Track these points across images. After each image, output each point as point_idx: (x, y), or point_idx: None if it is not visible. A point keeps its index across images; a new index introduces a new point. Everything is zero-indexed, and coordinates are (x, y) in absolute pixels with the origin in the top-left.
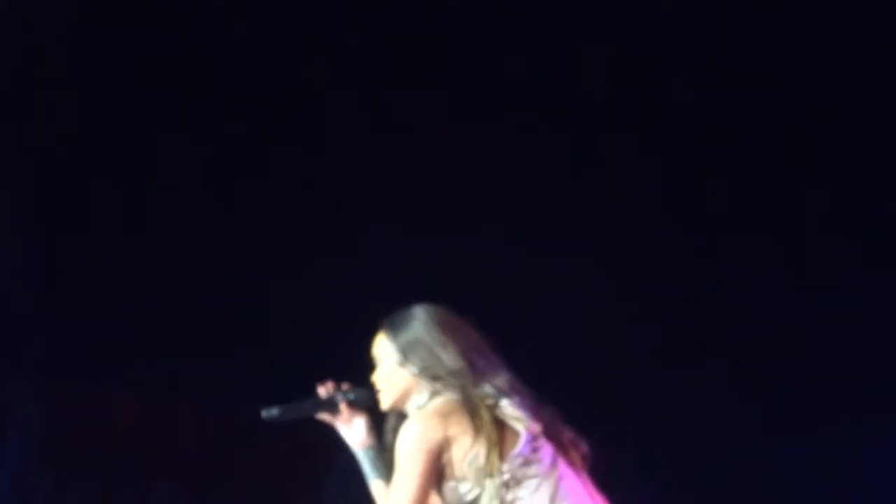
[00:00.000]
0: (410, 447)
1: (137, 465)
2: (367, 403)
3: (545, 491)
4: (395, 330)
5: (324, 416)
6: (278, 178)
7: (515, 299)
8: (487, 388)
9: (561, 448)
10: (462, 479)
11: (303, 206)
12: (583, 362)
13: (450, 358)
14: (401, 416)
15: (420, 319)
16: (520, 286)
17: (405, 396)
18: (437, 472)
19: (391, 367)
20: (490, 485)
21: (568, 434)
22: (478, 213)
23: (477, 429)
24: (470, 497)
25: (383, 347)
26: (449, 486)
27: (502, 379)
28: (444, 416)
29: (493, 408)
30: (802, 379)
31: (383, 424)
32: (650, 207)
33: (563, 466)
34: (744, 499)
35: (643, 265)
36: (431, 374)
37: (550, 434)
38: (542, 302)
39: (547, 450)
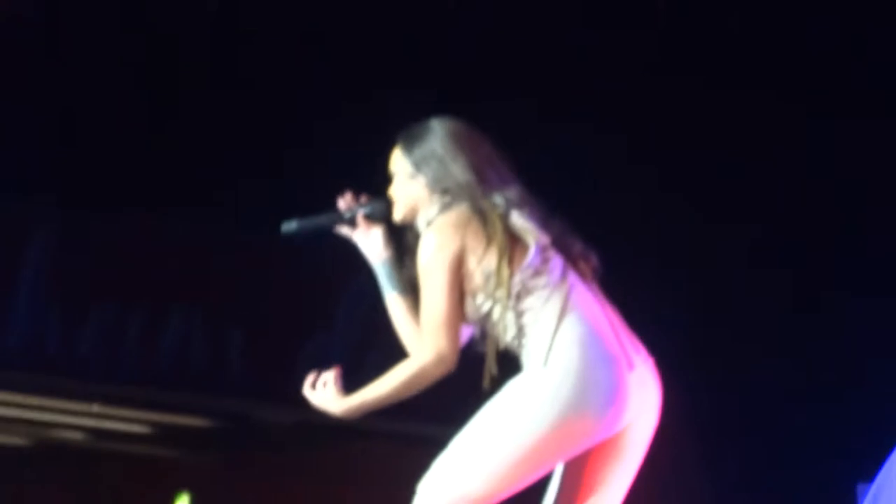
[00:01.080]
0: (430, 263)
1: (152, 294)
2: (383, 216)
3: (556, 301)
4: (408, 143)
5: (342, 230)
6: None
7: None
8: (498, 200)
9: (570, 260)
10: (476, 291)
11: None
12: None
13: (461, 170)
14: (418, 234)
15: (434, 132)
16: None
17: (417, 209)
18: (461, 284)
19: (404, 179)
20: (502, 295)
21: (577, 246)
22: None
23: (489, 238)
24: (484, 309)
25: (398, 160)
26: (465, 300)
27: (513, 191)
28: (458, 226)
29: (503, 218)
30: None
31: (403, 238)
32: None
33: (572, 277)
34: None
35: None
36: (442, 186)
37: (560, 246)
38: None
39: (557, 261)
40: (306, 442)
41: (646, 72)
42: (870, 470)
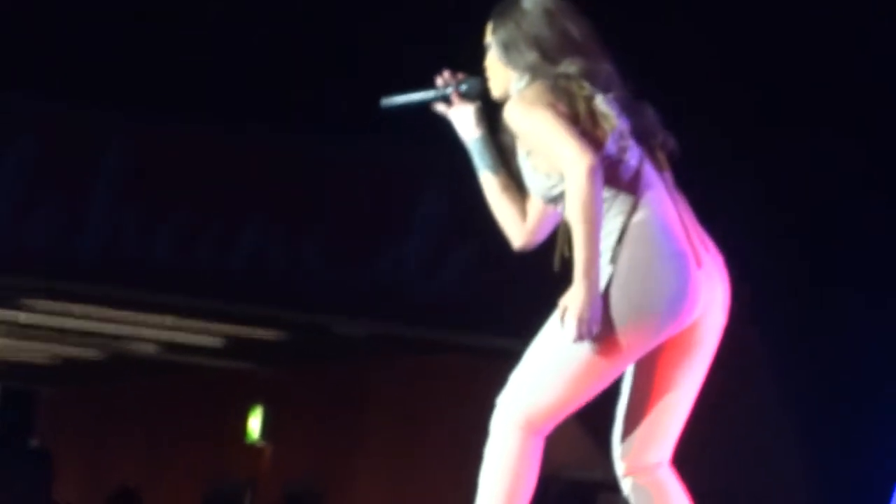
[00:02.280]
0: (525, 109)
1: (229, 199)
2: (478, 93)
3: (627, 194)
4: (497, 20)
5: (438, 107)
6: None
7: None
8: (584, 82)
9: (648, 150)
10: (551, 170)
11: None
12: None
13: (550, 48)
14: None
15: (522, 6)
16: None
17: (509, 83)
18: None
19: (495, 55)
20: None
21: (658, 135)
22: None
23: (573, 118)
24: (555, 192)
25: (488, 35)
26: (538, 175)
27: (602, 73)
28: (546, 92)
29: (588, 101)
30: None
31: (497, 115)
32: None
33: (647, 169)
34: None
35: None
36: (529, 65)
37: (640, 134)
38: None
39: (634, 151)
40: (380, 354)
41: None
42: None
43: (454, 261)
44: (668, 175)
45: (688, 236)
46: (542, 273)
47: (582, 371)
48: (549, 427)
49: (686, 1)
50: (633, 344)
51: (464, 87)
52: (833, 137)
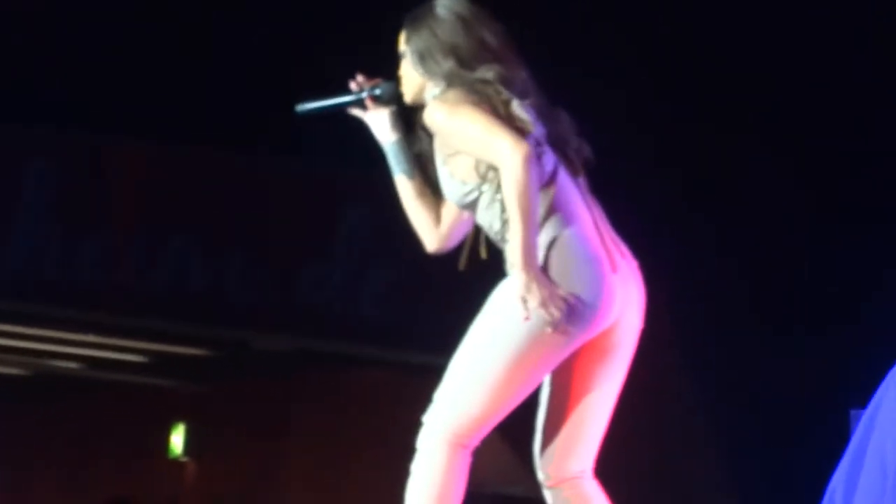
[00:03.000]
0: (446, 110)
1: (151, 215)
2: (392, 98)
3: (543, 199)
4: (412, 26)
5: (354, 111)
6: None
7: None
8: (501, 87)
9: (564, 155)
10: (466, 176)
11: None
12: None
13: (466, 56)
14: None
15: (437, 14)
16: None
17: (423, 90)
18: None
19: (409, 63)
20: (489, 188)
21: (573, 141)
22: None
23: (496, 118)
24: (470, 198)
25: (403, 43)
26: (454, 181)
27: (518, 80)
28: (464, 98)
29: (506, 105)
30: None
31: (413, 118)
32: None
33: (562, 175)
34: None
35: None
36: (446, 73)
37: (555, 140)
38: None
39: (549, 157)
40: (302, 371)
41: None
42: (862, 397)
43: (375, 277)
44: (583, 181)
45: (602, 241)
46: (462, 288)
47: (502, 379)
48: (476, 441)
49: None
50: (552, 348)
51: (377, 91)
52: (760, 141)
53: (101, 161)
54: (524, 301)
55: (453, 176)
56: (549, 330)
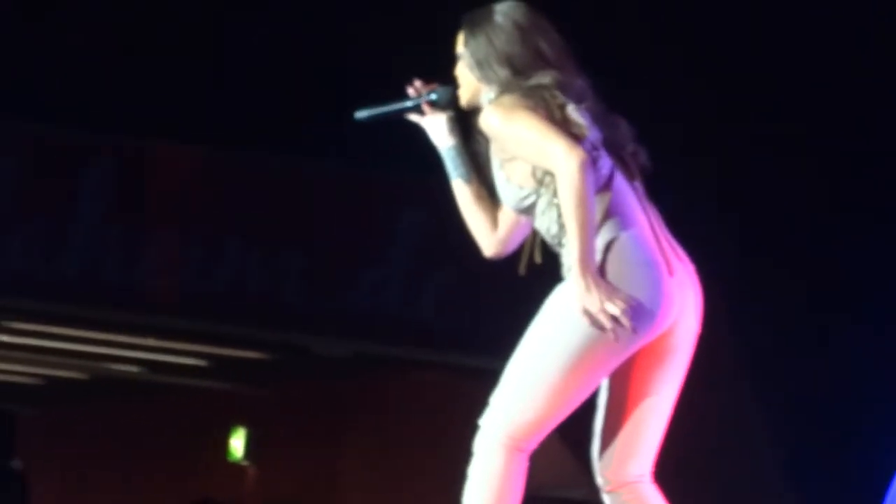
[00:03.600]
0: (510, 113)
1: (209, 221)
2: (448, 103)
3: (598, 203)
4: (470, 31)
5: (411, 116)
6: None
7: None
8: (556, 92)
9: (620, 160)
10: (523, 181)
11: None
12: None
13: (522, 65)
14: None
15: (495, 21)
16: None
17: (479, 93)
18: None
19: (464, 65)
20: (546, 193)
21: (629, 146)
22: None
23: (551, 122)
24: (527, 203)
25: (460, 45)
26: (511, 186)
27: (574, 85)
28: (520, 102)
29: (562, 109)
30: None
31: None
32: None
33: (619, 179)
34: None
35: None
36: (501, 81)
37: (611, 145)
38: None
39: (605, 161)
40: (362, 374)
41: None
42: None
43: (434, 281)
44: (639, 185)
45: (659, 245)
46: (519, 292)
47: (559, 383)
48: (533, 445)
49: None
50: (608, 353)
51: (434, 97)
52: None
53: (158, 164)
54: (584, 306)
55: (510, 180)
56: (608, 334)
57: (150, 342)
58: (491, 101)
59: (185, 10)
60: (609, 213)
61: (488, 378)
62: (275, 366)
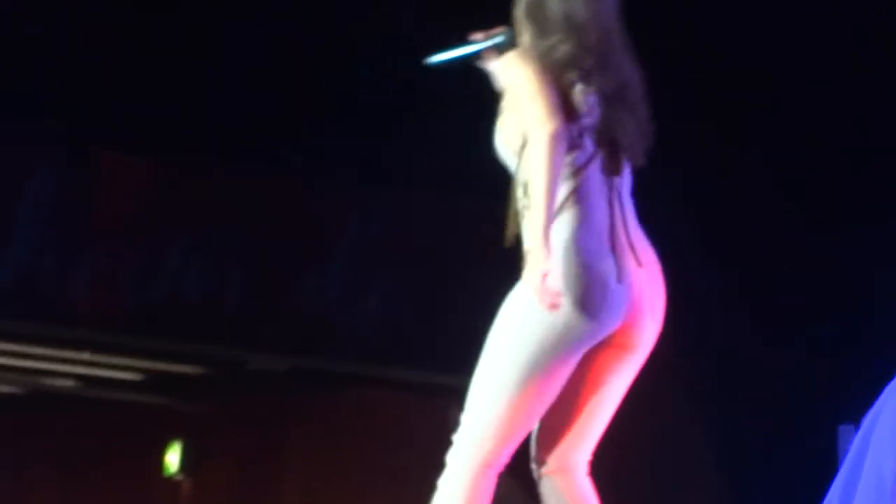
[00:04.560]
0: (520, 63)
1: (146, 233)
2: (513, 46)
3: (563, 189)
4: None
5: (480, 62)
6: None
7: None
8: (569, 68)
9: (610, 152)
10: (508, 142)
11: None
12: None
13: (546, 21)
14: None
15: None
16: None
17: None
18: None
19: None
20: (524, 160)
21: (627, 139)
22: None
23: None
24: (508, 163)
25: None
26: (500, 137)
27: (585, 62)
28: (541, 59)
29: (570, 86)
30: None
31: None
32: None
33: (592, 171)
34: None
35: None
36: (524, 31)
37: (604, 132)
38: None
39: (586, 150)
40: (301, 389)
41: None
42: (853, 412)
43: (376, 294)
44: (622, 181)
45: (614, 246)
46: (465, 305)
47: (518, 396)
48: (504, 459)
49: None
50: (558, 358)
51: (498, 40)
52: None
53: (95, 175)
54: (531, 282)
55: (500, 132)
56: (554, 339)
57: (86, 356)
58: (513, 51)
59: (120, 14)
60: (569, 203)
61: (430, 393)
62: (212, 380)
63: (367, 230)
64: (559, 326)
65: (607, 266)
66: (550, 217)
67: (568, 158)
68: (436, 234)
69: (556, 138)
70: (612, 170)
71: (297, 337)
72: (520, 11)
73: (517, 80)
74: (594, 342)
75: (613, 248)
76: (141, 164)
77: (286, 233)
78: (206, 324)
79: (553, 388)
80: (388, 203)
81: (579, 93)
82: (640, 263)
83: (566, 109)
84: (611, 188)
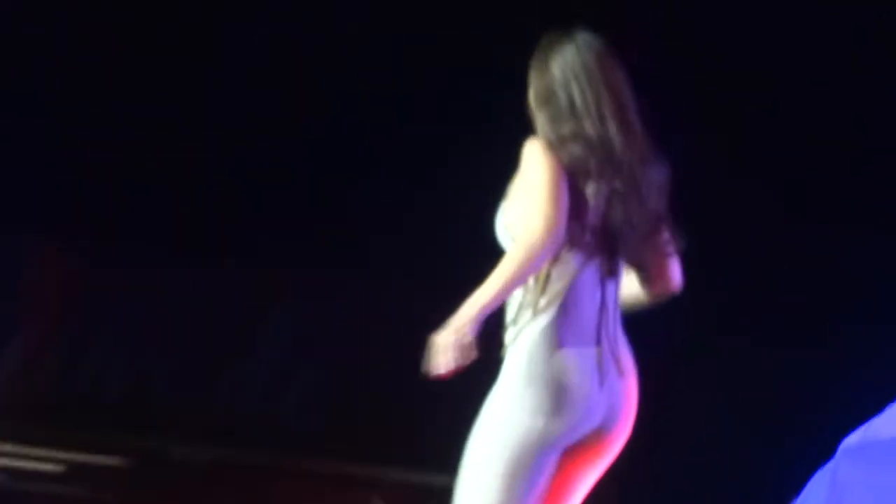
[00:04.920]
0: (538, 154)
1: (67, 322)
2: None
3: (557, 282)
4: (537, 60)
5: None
6: None
7: None
8: (579, 161)
9: (608, 251)
10: (508, 227)
11: None
12: None
13: (556, 107)
14: None
15: (562, 58)
16: None
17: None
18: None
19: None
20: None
21: (633, 239)
22: None
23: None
24: (506, 249)
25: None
26: (500, 218)
27: (600, 155)
28: (549, 154)
29: (582, 182)
30: None
31: None
32: None
33: (588, 274)
34: None
35: None
36: (537, 117)
37: (608, 230)
38: None
39: (580, 255)
40: (224, 481)
41: None
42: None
43: (301, 383)
44: (616, 281)
45: (599, 350)
46: (388, 395)
47: (502, 495)
48: None
49: None
50: (531, 454)
51: None
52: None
53: (16, 260)
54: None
55: (503, 214)
56: (532, 433)
57: (7, 448)
58: (535, 137)
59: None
60: (560, 302)
61: (352, 484)
62: (134, 472)
63: (287, 319)
64: (539, 427)
65: (589, 368)
66: (494, 305)
67: (567, 256)
68: (361, 322)
69: (547, 247)
70: (607, 271)
71: (220, 427)
72: (531, 99)
73: (534, 169)
74: (571, 439)
75: (598, 351)
76: (63, 252)
77: (209, 324)
78: (127, 415)
79: (537, 481)
80: (314, 288)
81: (590, 192)
82: (621, 372)
83: (574, 207)
84: (603, 289)
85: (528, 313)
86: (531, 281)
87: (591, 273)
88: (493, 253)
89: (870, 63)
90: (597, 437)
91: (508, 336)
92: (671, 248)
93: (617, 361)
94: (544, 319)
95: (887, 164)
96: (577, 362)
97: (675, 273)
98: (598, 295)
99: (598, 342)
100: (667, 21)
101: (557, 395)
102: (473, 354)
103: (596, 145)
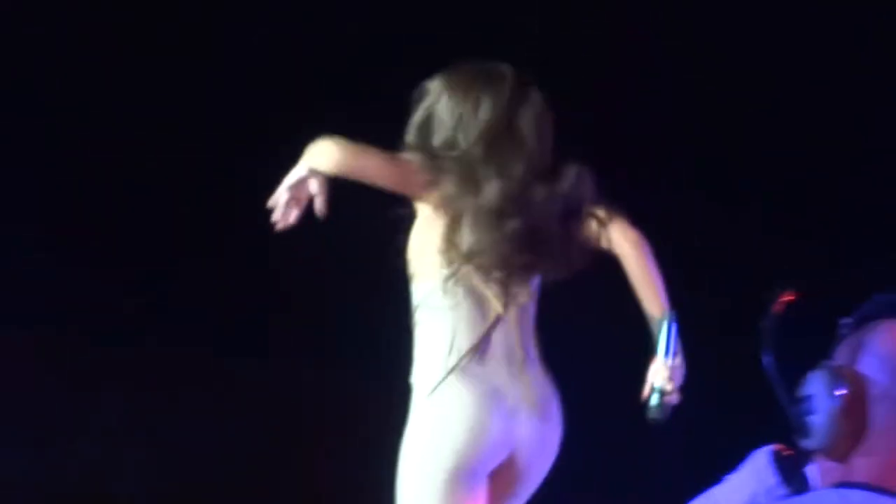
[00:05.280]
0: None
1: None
2: None
3: (446, 321)
4: (417, 96)
5: None
6: None
7: None
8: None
9: (504, 285)
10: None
11: None
12: None
13: (437, 138)
14: None
15: (433, 92)
16: None
17: None
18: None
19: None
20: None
21: (524, 275)
22: None
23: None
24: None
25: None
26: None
27: (483, 188)
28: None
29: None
30: None
31: None
32: None
33: (468, 307)
34: None
35: None
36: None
37: (500, 264)
38: None
39: (464, 291)
40: None
41: None
42: None
43: (129, 466)
44: (522, 310)
45: (506, 377)
46: (226, 479)
47: None
48: None
49: None
50: (459, 476)
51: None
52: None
53: None
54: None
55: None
56: (422, 459)
57: None
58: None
59: None
60: (451, 333)
61: None
62: None
63: (116, 397)
64: (446, 450)
65: (482, 400)
66: (339, 171)
67: (446, 292)
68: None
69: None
70: (505, 303)
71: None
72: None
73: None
74: (467, 468)
75: (506, 378)
76: (26, 343)
77: (32, 399)
78: None
79: (466, 495)
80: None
81: (466, 224)
82: (543, 419)
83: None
84: (503, 324)
85: (433, 353)
86: (439, 324)
87: (482, 309)
88: None
89: (870, 63)
90: (508, 473)
91: (413, 376)
92: (606, 220)
93: (539, 388)
94: (440, 343)
95: (887, 164)
96: (474, 399)
97: (626, 233)
98: (503, 325)
99: (510, 368)
100: (667, 21)
101: (450, 428)
102: (319, 208)
103: (477, 180)
